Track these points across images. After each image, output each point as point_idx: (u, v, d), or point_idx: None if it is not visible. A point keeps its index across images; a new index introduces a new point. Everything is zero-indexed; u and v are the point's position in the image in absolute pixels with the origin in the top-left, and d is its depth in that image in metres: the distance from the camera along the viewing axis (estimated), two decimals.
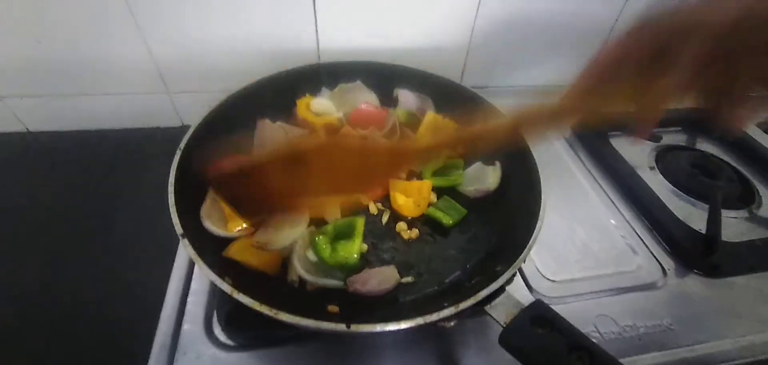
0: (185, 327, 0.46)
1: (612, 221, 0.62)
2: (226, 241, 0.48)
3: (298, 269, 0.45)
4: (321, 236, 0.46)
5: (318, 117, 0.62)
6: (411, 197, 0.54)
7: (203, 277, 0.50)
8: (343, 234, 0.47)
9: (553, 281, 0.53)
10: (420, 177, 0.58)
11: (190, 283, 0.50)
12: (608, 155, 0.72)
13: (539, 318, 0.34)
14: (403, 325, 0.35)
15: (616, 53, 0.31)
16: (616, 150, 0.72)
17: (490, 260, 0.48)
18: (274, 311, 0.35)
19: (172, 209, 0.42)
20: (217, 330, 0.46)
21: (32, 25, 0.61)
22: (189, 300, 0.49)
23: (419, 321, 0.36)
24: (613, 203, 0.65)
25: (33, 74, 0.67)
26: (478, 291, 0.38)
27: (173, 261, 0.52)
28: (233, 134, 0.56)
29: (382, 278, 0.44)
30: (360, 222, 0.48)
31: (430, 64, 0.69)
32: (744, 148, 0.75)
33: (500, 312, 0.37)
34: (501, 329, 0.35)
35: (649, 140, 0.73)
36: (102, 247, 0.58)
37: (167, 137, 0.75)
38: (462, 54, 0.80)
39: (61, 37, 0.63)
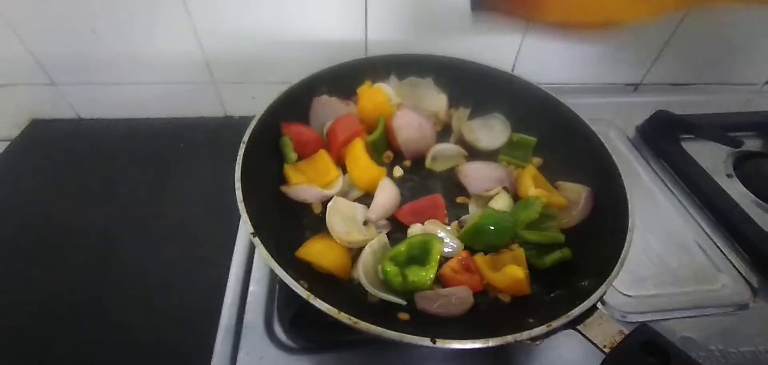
0: (246, 325, 0.45)
1: (689, 234, 0.57)
2: (293, 241, 0.47)
3: (362, 278, 0.43)
4: (390, 267, 0.42)
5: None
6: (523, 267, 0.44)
7: (263, 276, 0.49)
8: (416, 258, 0.44)
9: (628, 296, 0.50)
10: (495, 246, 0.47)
11: (249, 281, 0.49)
12: (680, 159, 0.66)
13: (649, 344, 0.30)
14: (492, 343, 0.33)
15: None
16: (688, 154, 0.67)
17: (570, 271, 0.44)
18: (354, 320, 0.34)
19: (241, 206, 0.41)
20: (279, 331, 0.45)
21: (88, 15, 0.62)
22: (248, 298, 0.48)
23: (508, 339, 0.33)
24: (688, 212, 0.60)
25: (86, 63, 0.67)
26: (570, 309, 0.35)
27: (224, 253, 0.52)
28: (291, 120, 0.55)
29: (455, 301, 0.41)
30: (436, 247, 0.44)
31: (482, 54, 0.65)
32: None
33: (596, 333, 0.34)
34: (601, 353, 0.32)
35: (729, 145, 0.67)
36: (153, 235, 0.57)
37: (211, 126, 0.76)
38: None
39: (114, 27, 0.63)
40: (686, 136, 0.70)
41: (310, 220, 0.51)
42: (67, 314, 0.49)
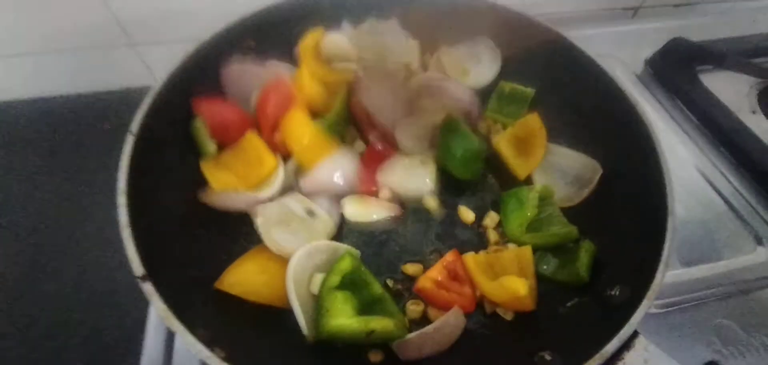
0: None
1: (714, 187, 0.48)
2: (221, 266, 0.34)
3: (299, 317, 0.31)
4: (347, 320, 0.29)
5: (328, 67, 0.45)
6: (527, 277, 0.33)
7: None
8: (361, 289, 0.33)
9: None
10: (505, 240, 0.38)
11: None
12: (697, 95, 0.56)
13: None
14: None
15: None
16: (709, 91, 0.56)
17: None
18: None
19: (126, 232, 0.28)
20: None
21: None
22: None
23: None
24: (711, 161, 0.51)
25: None
26: (603, 342, 0.25)
27: None
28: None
29: (444, 336, 0.30)
30: (345, 261, 0.33)
31: None
32: None
33: None
34: None
35: (756, 76, 0.57)
36: (75, 245, 0.48)
37: (140, 98, 0.62)
38: None
39: None
40: (703, 67, 0.59)
41: (247, 226, 0.38)
42: None
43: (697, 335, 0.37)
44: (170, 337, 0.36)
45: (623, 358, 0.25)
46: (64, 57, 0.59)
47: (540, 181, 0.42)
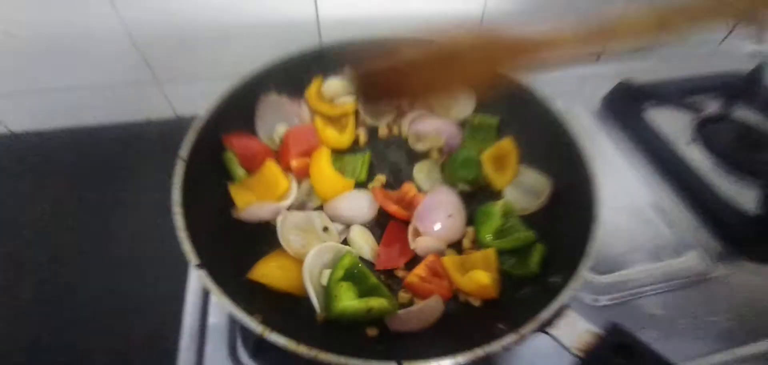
0: (208, 355, 0.42)
1: (653, 207, 0.57)
2: (251, 260, 0.43)
3: (312, 297, 0.40)
4: (351, 302, 0.39)
5: (330, 104, 0.56)
6: (491, 272, 0.42)
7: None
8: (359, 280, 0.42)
9: (600, 278, 0.49)
10: (477, 245, 0.47)
11: (207, 306, 0.46)
12: (642, 129, 0.66)
13: (623, 347, 0.30)
14: (461, 358, 0.31)
15: None
16: (650, 124, 0.67)
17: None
18: (315, 351, 0.31)
19: (183, 234, 0.37)
20: (244, 357, 0.42)
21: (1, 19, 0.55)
22: (210, 322, 0.44)
23: (478, 352, 0.32)
24: (652, 186, 0.60)
25: (7, 70, 0.60)
26: (538, 311, 0.33)
27: (187, 270, 0.48)
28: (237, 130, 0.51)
29: (427, 315, 0.39)
30: (347, 259, 0.42)
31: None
32: None
33: (567, 336, 0.33)
34: (573, 358, 0.31)
35: (688, 110, 0.68)
36: (107, 257, 0.54)
37: (162, 129, 0.70)
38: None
39: (33, 27, 0.56)
40: (650, 104, 0.70)
41: (269, 233, 0.47)
42: (16, 347, 0.46)
43: (633, 326, 0.46)
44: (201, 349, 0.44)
45: (555, 324, 0.34)
46: (95, 92, 0.66)
47: (507, 192, 0.52)
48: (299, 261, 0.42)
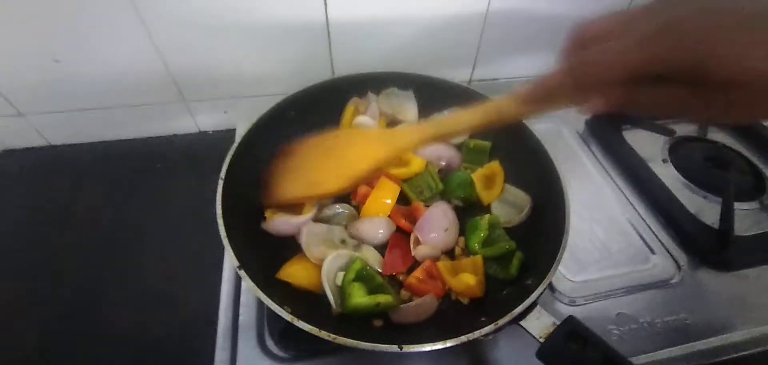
0: (241, 339, 0.51)
1: (628, 219, 0.65)
2: (276, 261, 0.52)
3: (329, 296, 0.48)
4: (362, 298, 0.47)
5: None
6: (477, 275, 0.51)
7: (251, 296, 0.54)
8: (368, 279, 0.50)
9: (574, 282, 0.57)
10: (467, 252, 0.56)
11: (239, 299, 0.54)
12: (621, 149, 0.74)
13: (573, 333, 0.37)
14: (450, 343, 0.39)
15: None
16: (628, 144, 0.74)
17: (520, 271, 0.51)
18: (333, 336, 0.39)
19: (225, 241, 0.46)
20: (270, 344, 0.51)
21: (49, 45, 0.63)
22: (240, 316, 0.53)
23: (463, 339, 0.40)
24: (628, 200, 0.68)
25: (52, 91, 0.69)
26: (514, 308, 0.41)
27: (213, 271, 0.55)
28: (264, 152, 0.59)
29: (423, 310, 0.48)
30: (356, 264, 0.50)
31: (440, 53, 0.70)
32: (756, 137, 0.77)
33: (535, 327, 0.41)
34: (537, 343, 0.39)
35: (659, 133, 0.75)
36: (139, 260, 0.60)
37: (185, 143, 0.79)
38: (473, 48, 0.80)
39: (77, 54, 0.65)
40: (626, 126, 0.78)
41: (292, 243, 0.56)
42: (59, 344, 0.52)
43: (603, 322, 0.53)
44: (235, 318, 0.53)
45: (527, 318, 0.42)
46: (127, 110, 0.73)
47: (494, 207, 0.60)
48: (318, 265, 0.51)
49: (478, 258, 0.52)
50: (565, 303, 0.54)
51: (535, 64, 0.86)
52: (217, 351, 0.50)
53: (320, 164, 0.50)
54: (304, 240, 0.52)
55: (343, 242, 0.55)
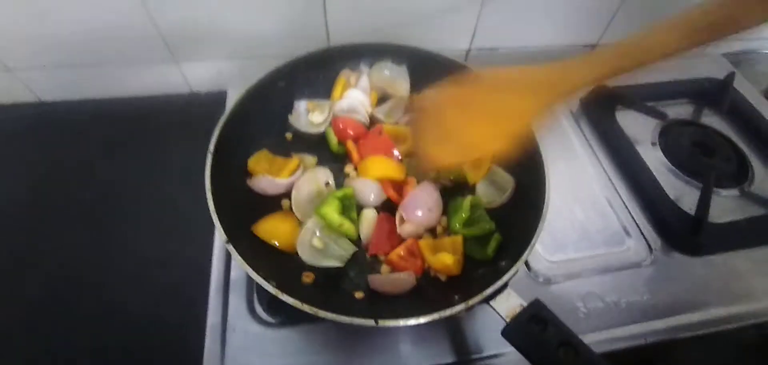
0: (231, 308, 0.54)
1: (609, 201, 0.67)
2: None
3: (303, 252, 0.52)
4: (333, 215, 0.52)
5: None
6: (456, 255, 0.52)
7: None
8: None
9: (550, 261, 0.60)
10: (448, 232, 0.57)
11: (230, 267, 0.57)
12: (611, 130, 0.74)
13: (536, 316, 0.40)
14: (423, 319, 0.43)
15: None
16: (619, 125, 0.74)
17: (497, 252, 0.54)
18: (315, 309, 0.43)
19: (215, 217, 0.48)
20: (259, 310, 0.54)
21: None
22: (231, 284, 0.56)
23: (435, 316, 0.43)
24: (611, 182, 0.69)
25: (39, 46, 0.68)
26: (484, 289, 0.44)
27: (206, 233, 0.58)
28: (264, 127, 0.61)
29: (397, 284, 0.51)
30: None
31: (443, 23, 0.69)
32: (746, 121, 0.77)
33: (503, 307, 0.44)
34: (504, 323, 0.42)
35: (651, 116, 0.75)
36: (135, 217, 0.61)
37: (179, 103, 0.78)
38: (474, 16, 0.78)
39: (63, 9, 0.63)
40: (622, 107, 0.78)
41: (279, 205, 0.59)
42: (56, 302, 0.54)
43: (571, 300, 0.56)
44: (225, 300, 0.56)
45: (497, 298, 0.45)
46: (120, 68, 0.73)
47: (479, 187, 0.62)
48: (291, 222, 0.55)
49: (459, 238, 0.54)
50: (541, 283, 0.58)
51: (534, 36, 0.84)
52: (209, 315, 0.53)
53: (470, 121, 0.43)
54: (295, 199, 0.56)
55: (327, 184, 0.59)
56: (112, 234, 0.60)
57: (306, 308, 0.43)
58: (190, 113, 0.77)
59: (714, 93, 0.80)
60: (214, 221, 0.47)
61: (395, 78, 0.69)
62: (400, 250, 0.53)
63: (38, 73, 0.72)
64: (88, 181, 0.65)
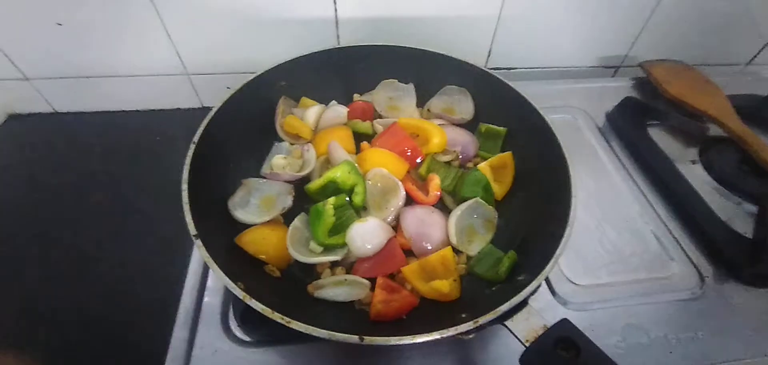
0: (202, 321, 0.47)
1: (646, 222, 0.58)
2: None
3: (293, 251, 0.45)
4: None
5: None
6: (449, 276, 0.44)
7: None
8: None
9: (578, 285, 0.51)
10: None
11: (207, 279, 0.50)
12: (644, 146, 0.66)
13: (565, 339, 0.31)
14: (418, 339, 0.34)
15: None
16: (653, 141, 0.66)
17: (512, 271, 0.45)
18: (287, 319, 0.35)
19: (186, 208, 0.42)
20: (234, 326, 0.47)
21: (52, 8, 0.62)
22: (206, 294, 0.49)
23: (435, 335, 0.34)
24: (647, 200, 0.60)
25: (56, 57, 0.68)
26: (499, 305, 0.36)
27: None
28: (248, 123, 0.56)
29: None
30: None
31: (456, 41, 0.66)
32: None
33: (521, 329, 0.35)
34: (523, 347, 0.33)
35: (689, 131, 0.67)
36: (126, 229, 0.60)
37: (188, 118, 0.75)
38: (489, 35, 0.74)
39: (79, 20, 0.63)
40: (654, 122, 0.70)
41: None
42: (44, 307, 0.52)
43: (608, 333, 0.47)
44: (200, 297, 0.49)
45: (514, 318, 0.36)
46: (131, 81, 0.72)
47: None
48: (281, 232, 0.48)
49: (448, 252, 0.46)
50: (567, 308, 0.48)
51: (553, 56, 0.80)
52: (175, 329, 0.46)
53: None
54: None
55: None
56: (104, 247, 0.59)
57: (277, 317, 0.35)
58: (198, 126, 0.75)
59: (759, 110, 0.71)
60: (185, 210, 0.41)
61: (402, 97, 0.65)
62: (380, 296, 0.42)
63: (54, 84, 0.72)
64: (88, 193, 0.65)
